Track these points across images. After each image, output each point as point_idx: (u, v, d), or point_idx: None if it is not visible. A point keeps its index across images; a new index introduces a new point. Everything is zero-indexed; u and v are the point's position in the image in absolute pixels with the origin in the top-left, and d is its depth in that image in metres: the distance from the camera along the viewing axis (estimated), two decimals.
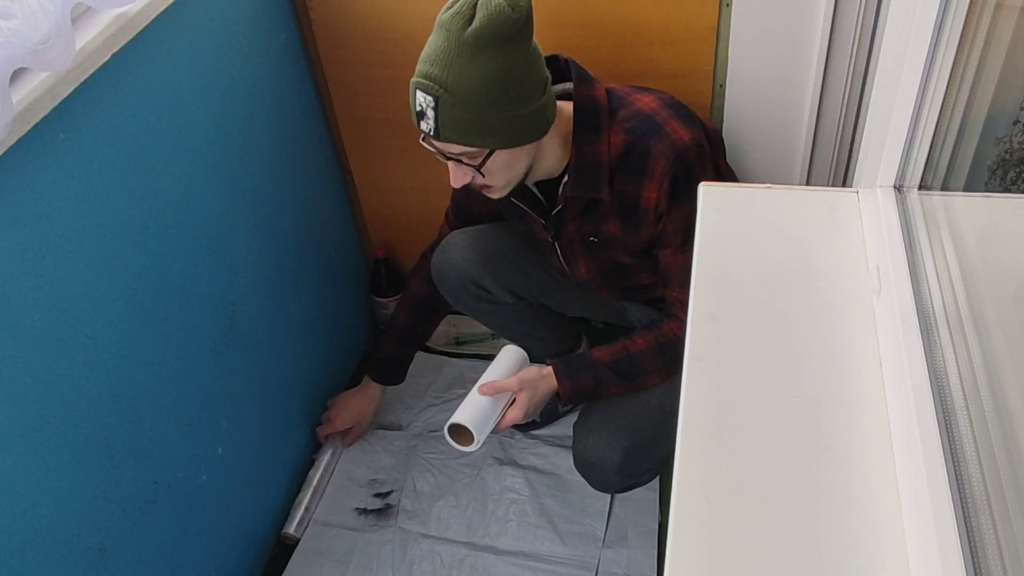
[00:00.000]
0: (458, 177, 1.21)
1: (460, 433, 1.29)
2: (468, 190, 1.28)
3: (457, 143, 1.14)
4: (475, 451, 1.29)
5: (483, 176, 1.19)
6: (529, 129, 1.17)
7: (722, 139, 1.39)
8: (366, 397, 1.75)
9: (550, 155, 1.25)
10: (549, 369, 1.33)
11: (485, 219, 1.54)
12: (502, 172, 1.20)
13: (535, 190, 1.35)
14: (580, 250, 1.39)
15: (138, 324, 1.23)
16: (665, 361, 1.33)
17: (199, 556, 1.43)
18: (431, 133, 1.15)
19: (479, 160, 1.16)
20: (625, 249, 1.34)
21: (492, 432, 1.31)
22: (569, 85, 1.25)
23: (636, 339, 1.34)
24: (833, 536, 0.69)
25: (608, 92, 1.25)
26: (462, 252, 1.50)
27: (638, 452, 1.35)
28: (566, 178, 1.27)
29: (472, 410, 1.30)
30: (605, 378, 1.32)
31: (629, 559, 1.59)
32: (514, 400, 1.33)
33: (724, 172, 1.40)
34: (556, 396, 1.35)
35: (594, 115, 1.22)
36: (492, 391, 1.30)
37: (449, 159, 1.19)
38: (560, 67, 1.27)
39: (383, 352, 1.72)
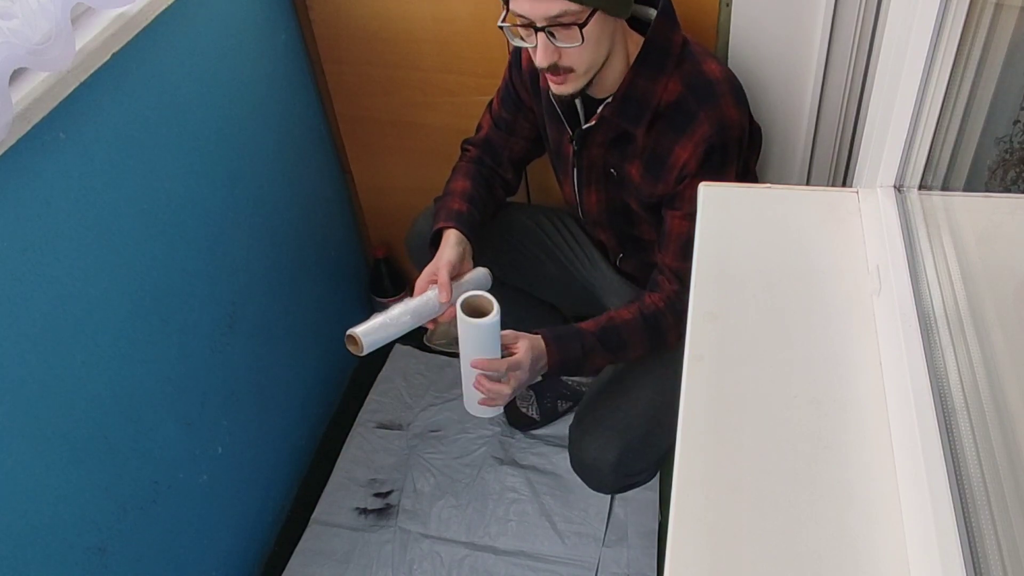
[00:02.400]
0: (546, 54, 1.16)
1: (476, 307, 1.22)
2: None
3: None
4: (493, 320, 1.18)
5: (582, 40, 1.14)
6: None
7: (761, 141, 1.39)
8: (448, 244, 1.35)
9: (611, 68, 1.23)
10: (540, 343, 1.31)
11: (523, 116, 1.46)
12: (592, 46, 1.16)
13: (578, 104, 1.33)
14: (596, 178, 1.38)
15: (138, 323, 1.23)
16: (648, 332, 1.32)
17: (199, 556, 1.43)
18: None
19: (582, 19, 1.13)
20: (637, 196, 1.34)
21: (481, 405, 1.26)
22: (643, 9, 1.25)
23: (621, 311, 1.33)
24: (833, 536, 0.69)
25: (684, 41, 1.24)
26: (431, 223, 1.50)
27: (632, 451, 1.35)
28: (609, 99, 1.26)
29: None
30: (591, 347, 1.31)
31: (629, 559, 1.59)
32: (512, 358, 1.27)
33: (751, 173, 1.39)
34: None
35: (663, 55, 1.22)
36: (488, 368, 1.23)
37: (540, 30, 1.15)
38: None
39: (447, 210, 1.42)
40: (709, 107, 1.21)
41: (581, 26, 1.13)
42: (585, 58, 1.18)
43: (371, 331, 1.23)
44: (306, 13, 1.63)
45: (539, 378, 1.52)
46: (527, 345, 1.26)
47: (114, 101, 1.15)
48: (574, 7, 1.11)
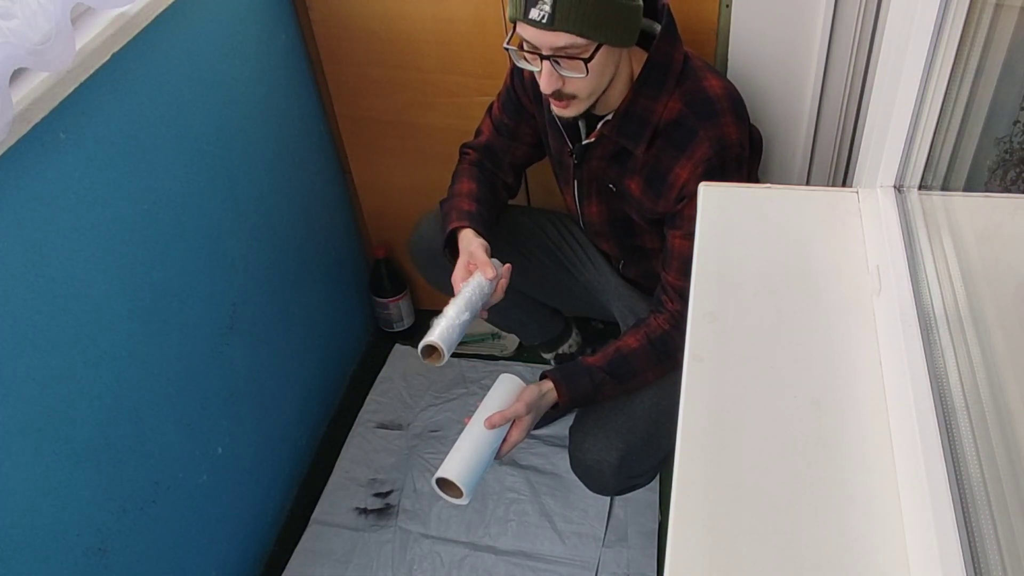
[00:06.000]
0: (550, 81, 1.17)
1: (449, 486, 1.23)
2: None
3: (570, 32, 1.11)
4: (467, 504, 1.24)
5: (586, 73, 1.15)
6: (630, 28, 1.16)
7: (762, 147, 1.39)
8: (470, 239, 1.35)
9: (614, 88, 1.23)
10: (548, 383, 1.32)
11: (525, 121, 1.46)
12: (596, 76, 1.17)
13: (580, 122, 1.34)
14: (596, 190, 1.39)
15: (138, 324, 1.23)
16: (658, 357, 1.33)
17: (199, 556, 1.43)
18: (543, 20, 1.10)
19: (588, 53, 1.13)
20: (638, 210, 1.34)
21: (496, 459, 1.27)
22: (647, 22, 1.25)
23: (627, 339, 1.34)
24: (833, 536, 0.69)
25: (685, 58, 1.24)
26: (435, 227, 1.49)
27: (634, 454, 1.35)
28: (609, 116, 1.26)
29: (461, 460, 1.22)
30: (601, 381, 1.32)
31: (629, 559, 1.59)
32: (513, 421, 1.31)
33: (753, 179, 1.40)
34: (554, 406, 1.34)
35: (664, 74, 1.22)
36: (501, 421, 1.26)
37: (545, 58, 1.15)
38: (649, 2, 1.24)
39: (458, 211, 1.41)
40: (709, 126, 1.21)
41: (586, 60, 1.13)
42: (589, 86, 1.19)
43: (445, 336, 1.22)
44: (306, 13, 1.63)
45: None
46: (523, 424, 1.29)
47: (114, 101, 1.15)
48: (580, 41, 1.12)
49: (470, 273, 1.30)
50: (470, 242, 1.33)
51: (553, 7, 1.09)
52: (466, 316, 1.25)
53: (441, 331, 1.23)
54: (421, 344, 1.23)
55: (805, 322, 0.86)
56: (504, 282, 1.32)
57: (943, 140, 0.89)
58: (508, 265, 1.33)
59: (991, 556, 0.60)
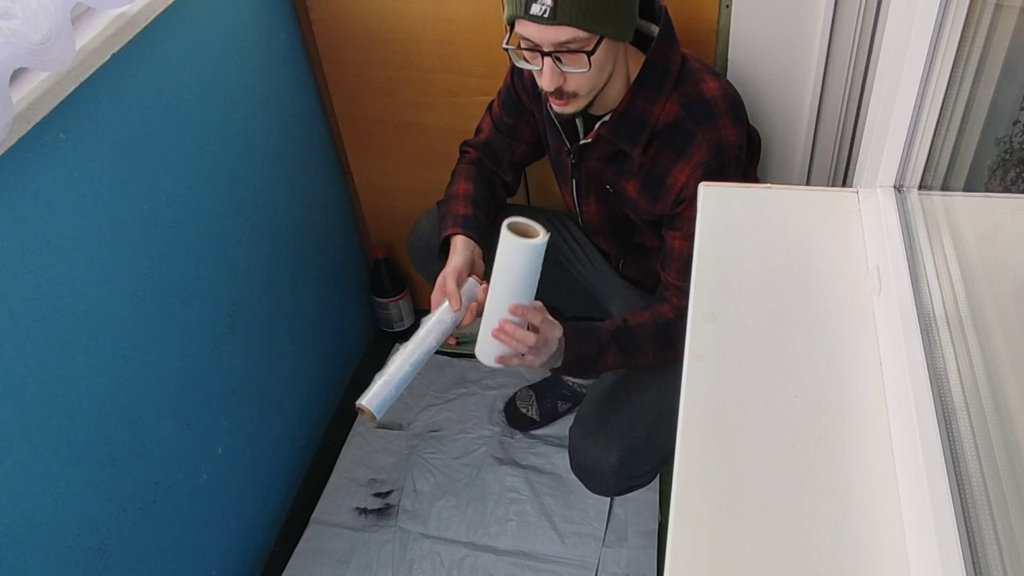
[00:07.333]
0: (552, 78, 1.16)
1: (523, 231, 1.13)
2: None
3: (572, 25, 1.11)
4: (545, 240, 1.11)
5: (588, 67, 1.15)
6: (628, 21, 1.16)
7: (760, 147, 1.39)
8: (456, 251, 1.35)
9: (612, 87, 1.23)
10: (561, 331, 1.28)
11: (524, 120, 1.46)
12: (597, 71, 1.17)
13: (578, 119, 1.33)
14: (594, 190, 1.39)
15: (139, 324, 1.23)
16: (662, 341, 1.32)
17: (199, 556, 1.43)
18: (545, 15, 1.10)
19: (590, 47, 1.13)
20: (635, 211, 1.34)
21: (512, 359, 1.19)
22: (643, 23, 1.24)
23: (635, 314, 1.33)
24: (833, 536, 0.69)
25: (683, 60, 1.24)
26: (434, 226, 1.49)
27: (634, 454, 1.35)
28: (607, 117, 1.26)
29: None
30: (606, 345, 1.29)
31: (629, 559, 1.59)
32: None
33: (750, 179, 1.40)
34: (555, 368, 1.29)
35: (661, 76, 1.22)
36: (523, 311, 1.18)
37: (547, 55, 1.15)
38: (646, 4, 1.24)
39: (453, 215, 1.42)
40: (707, 128, 1.21)
41: (589, 54, 1.13)
42: (590, 82, 1.19)
43: (378, 395, 1.18)
44: (306, 13, 1.63)
45: (548, 372, 1.46)
46: (553, 323, 1.22)
47: (114, 101, 1.15)
48: (582, 35, 1.12)
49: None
50: (450, 262, 1.32)
51: (555, 1, 1.09)
52: (407, 368, 1.20)
53: (376, 390, 1.18)
54: (356, 403, 1.19)
55: (805, 322, 0.86)
56: (475, 306, 1.28)
57: (943, 140, 0.89)
58: (484, 285, 1.30)
59: (991, 556, 0.60)
